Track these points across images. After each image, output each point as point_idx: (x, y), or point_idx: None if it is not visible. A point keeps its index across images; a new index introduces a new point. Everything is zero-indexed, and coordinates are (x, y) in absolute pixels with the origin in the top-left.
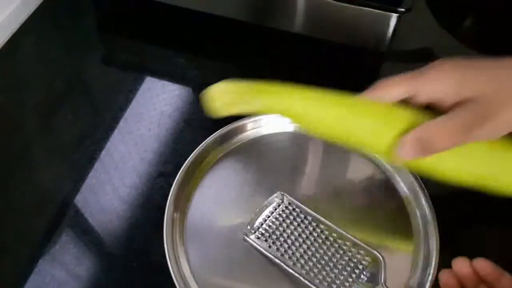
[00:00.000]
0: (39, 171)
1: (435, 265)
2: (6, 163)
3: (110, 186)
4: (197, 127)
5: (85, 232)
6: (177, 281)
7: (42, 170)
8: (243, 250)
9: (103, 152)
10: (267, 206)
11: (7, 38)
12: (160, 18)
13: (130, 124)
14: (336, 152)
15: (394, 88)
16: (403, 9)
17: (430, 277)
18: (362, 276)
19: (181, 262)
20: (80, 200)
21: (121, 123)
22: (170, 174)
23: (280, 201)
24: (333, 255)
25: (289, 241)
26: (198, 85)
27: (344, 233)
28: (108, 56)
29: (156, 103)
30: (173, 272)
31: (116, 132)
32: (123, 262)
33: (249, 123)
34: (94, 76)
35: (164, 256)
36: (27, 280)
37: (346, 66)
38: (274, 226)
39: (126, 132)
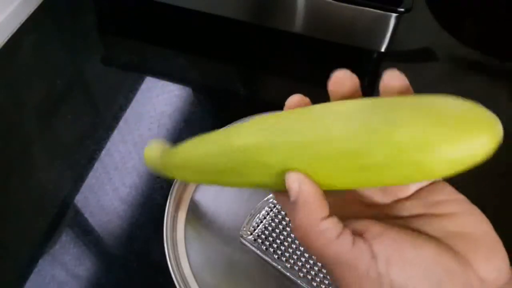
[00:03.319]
0: (39, 171)
1: None
2: (6, 163)
3: (110, 186)
4: (197, 127)
5: (85, 232)
6: (177, 281)
7: (42, 170)
8: (242, 251)
9: (103, 152)
10: (262, 207)
11: (7, 38)
12: (160, 18)
13: (130, 124)
14: None
15: None
16: (403, 9)
17: None
18: None
19: (181, 262)
20: (80, 200)
21: (121, 123)
22: None
23: (275, 201)
24: None
25: (286, 244)
26: (198, 85)
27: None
28: (108, 56)
29: (156, 103)
30: (173, 272)
31: (116, 132)
32: (123, 262)
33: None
34: (94, 76)
35: (164, 256)
36: (27, 280)
37: (346, 66)
38: (270, 228)
39: (126, 132)
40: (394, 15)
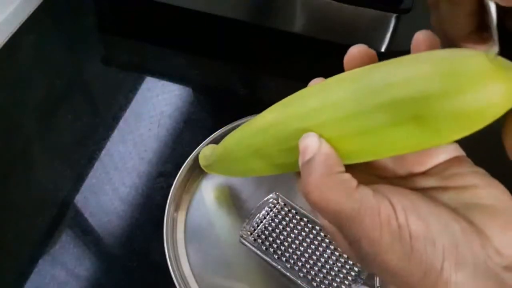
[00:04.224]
0: (39, 171)
1: None
2: (6, 163)
3: (110, 186)
4: (197, 127)
5: (85, 232)
6: (177, 281)
7: (42, 170)
8: (242, 251)
9: (103, 152)
10: (262, 207)
11: (7, 38)
12: (160, 18)
13: (130, 124)
14: None
15: None
16: (403, 9)
17: None
18: (358, 279)
19: (181, 262)
20: (80, 200)
21: (121, 123)
22: (170, 174)
23: (275, 201)
24: (329, 257)
25: (286, 244)
26: (198, 85)
27: (329, 234)
28: (108, 56)
29: (156, 103)
30: (173, 272)
31: (116, 132)
32: (123, 262)
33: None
34: (94, 76)
35: (164, 256)
36: (27, 280)
37: None
38: (270, 228)
39: (126, 132)
40: (394, 15)
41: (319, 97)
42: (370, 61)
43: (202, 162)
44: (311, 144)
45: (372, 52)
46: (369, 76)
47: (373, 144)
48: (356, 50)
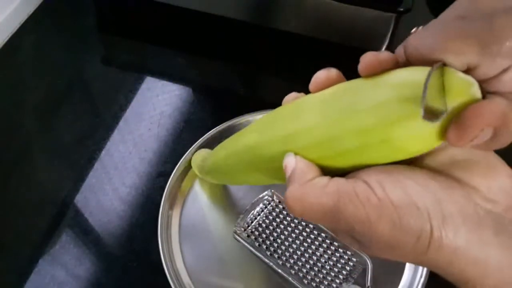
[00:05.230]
0: (39, 171)
1: (423, 269)
2: (6, 163)
3: (110, 186)
4: (197, 127)
5: (85, 232)
6: (171, 278)
7: (42, 170)
8: (236, 248)
9: (103, 152)
10: (257, 204)
11: (7, 38)
12: (160, 18)
13: (130, 124)
14: None
15: None
16: (403, 9)
17: (418, 281)
18: (349, 278)
19: (175, 258)
20: (80, 200)
21: (121, 123)
22: (170, 174)
23: (270, 198)
24: (321, 256)
25: (279, 241)
26: (198, 85)
27: (333, 234)
28: (108, 56)
29: (156, 103)
30: (167, 269)
31: (116, 132)
32: (123, 262)
33: (245, 121)
34: (94, 76)
35: None
36: (27, 280)
37: (346, 66)
38: (264, 225)
39: (126, 132)
40: (394, 15)
41: (295, 122)
42: (338, 82)
43: (196, 170)
44: (288, 162)
45: (339, 74)
46: (338, 101)
47: (349, 161)
48: (323, 75)
